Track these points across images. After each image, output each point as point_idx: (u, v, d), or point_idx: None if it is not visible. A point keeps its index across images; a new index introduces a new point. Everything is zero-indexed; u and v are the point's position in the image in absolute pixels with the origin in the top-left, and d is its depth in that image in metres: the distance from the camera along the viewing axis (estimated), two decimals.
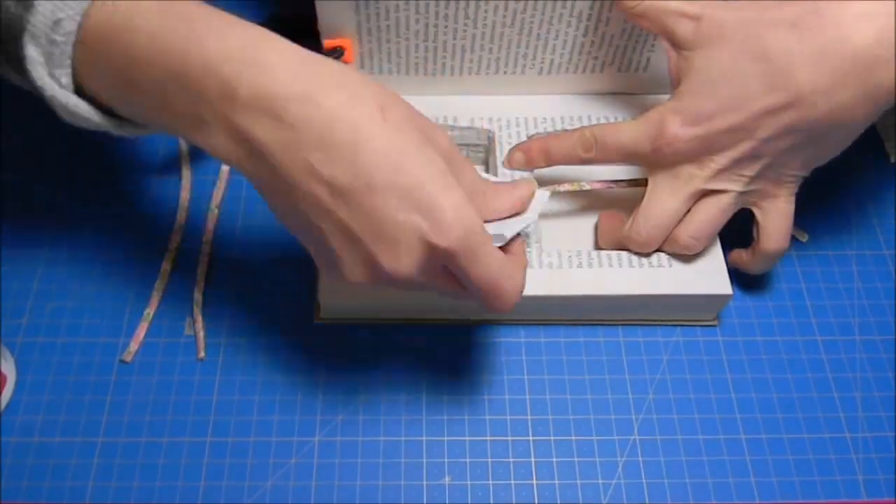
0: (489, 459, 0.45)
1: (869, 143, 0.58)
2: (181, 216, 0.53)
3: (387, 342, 0.49)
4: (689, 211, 0.47)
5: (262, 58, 0.35)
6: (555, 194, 0.51)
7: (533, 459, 0.45)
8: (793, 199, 0.47)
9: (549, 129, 0.53)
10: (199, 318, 0.49)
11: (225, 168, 0.55)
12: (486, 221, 0.39)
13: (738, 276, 0.50)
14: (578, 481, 0.45)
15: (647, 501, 0.44)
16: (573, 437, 0.46)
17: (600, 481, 0.45)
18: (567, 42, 0.52)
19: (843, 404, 0.48)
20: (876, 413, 0.47)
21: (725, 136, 0.43)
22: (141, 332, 0.48)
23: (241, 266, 0.51)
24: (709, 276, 0.48)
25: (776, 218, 0.47)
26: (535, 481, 0.45)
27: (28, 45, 0.36)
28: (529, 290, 0.47)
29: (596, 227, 0.50)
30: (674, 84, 0.46)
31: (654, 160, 0.46)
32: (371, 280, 0.37)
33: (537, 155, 0.49)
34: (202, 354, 0.48)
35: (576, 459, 0.45)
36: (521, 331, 0.49)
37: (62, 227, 0.52)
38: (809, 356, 0.49)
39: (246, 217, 0.53)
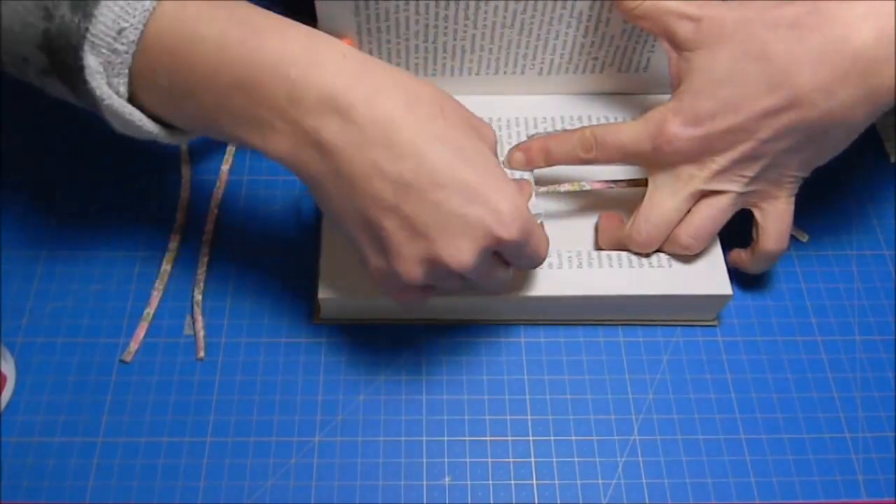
0: (489, 459, 0.45)
1: (869, 143, 0.58)
2: (181, 216, 0.53)
3: (387, 342, 0.49)
4: (689, 211, 0.47)
5: (323, 59, 0.37)
6: (555, 194, 0.51)
7: (533, 459, 0.45)
8: (792, 199, 0.47)
9: (549, 129, 0.53)
10: (199, 318, 0.49)
11: (225, 168, 0.55)
12: None
13: (738, 276, 0.50)
14: (578, 481, 0.45)
15: (647, 501, 0.44)
16: (573, 437, 0.46)
17: (600, 481, 0.45)
18: (567, 42, 0.52)
19: (843, 404, 0.48)
20: (876, 413, 0.47)
21: (725, 136, 0.43)
22: (141, 332, 0.48)
23: (241, 266, 0.51)
24: (709, 276, 0.48)
25: (776, 218, 0.47)
26: (535, 481, 0.45)
27: (88, 55, 0.37)
28: (529, 291, 0.47)
29: (596, 228, 0.50)
30: (674, 85, 0.46)
31: (655, 160, 0.46)
32: (427, 275, 0.39)
33: (537, 155, 0.49)
34: (202, 354, 0.48)
35: (576, 459, 0.45)
36: (521, 331, 0.49)
37: (62, 227, 0.52)
38: (809, 356, 0.49)
39: (246, 217, 0.53)
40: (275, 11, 0.39)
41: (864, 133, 0.44)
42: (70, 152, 0.55)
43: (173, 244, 0.51)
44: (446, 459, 0.45)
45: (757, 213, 0.47)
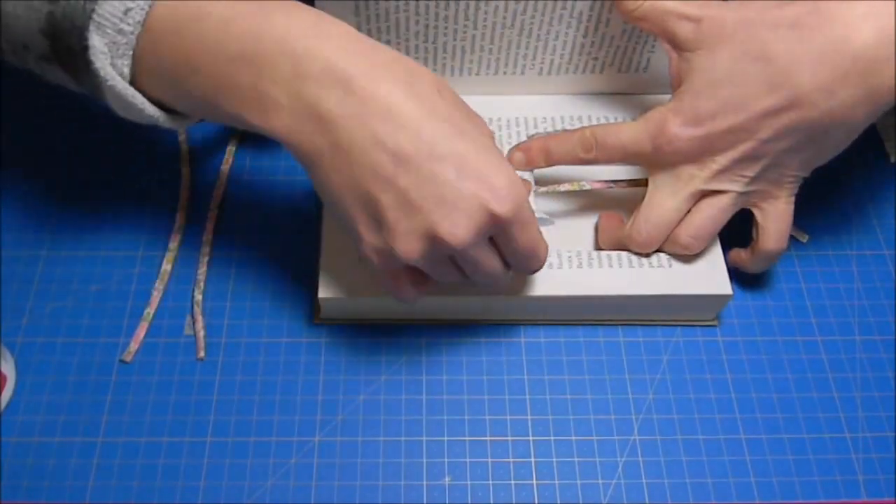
0: (489, 459, 0.45)
1: (869, 143, 0.58)
2: (181, 216, 0.53)
3: (387, 342, 0.49)
4: (689, 211, 0.47)
5: (328, 34, 0.38)
6: (555, 194, 0.51)
7: (533, 459, 0.45)
8: (792, 199, 0.47)
9: (549, 129, 0.53)
10: (200, 318, 0.49)
11: (225, 168, 0.55)
12: None
13: (738, 276, 0.50)
14: (578, 481, 0.45)
15: (647, 501, 0.44)
16: (573, 437, 0.46)
17: (600, 481, 0.45)
18: (567, 43, 0.52)
19: (843, 404, 0.48)
20: (876, 413, 0.47)
21: (726, 136, 0.43)
22: (141, 332, 0.48)
23: (241, 266, 0.51)
24: (709, 276, 0.48)
25: (775, 218, 0.47)
26: (535, 481, 0.45)
27: (93, 35, 0.37)
28: (529, 291, 0.47)
29: (596, 228, 0.50)
30: (674, 85, 0.46)
31: (655, 160, 0.46)
32: (424, 253, 0.39)
33: (537, 155, 0.49)
34: (202, 354, 0.48)
35: (576, 459, 0.45)
36: (521, 331, 0.49)
37: (62, 228, 0.52)
38: (809, 356, 0.49)
39: (246, 217, 0.53)
40: None
41: (864, 133, 0.44)
42: (70, 152, 0.56)
43: (173, 244, 0.51)
44: (446, 459, 0.45)
45: (757, 213, 0.47)
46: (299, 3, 0.39)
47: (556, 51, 0.53)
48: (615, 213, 0.50)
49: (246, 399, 0.47)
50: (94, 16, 0.37)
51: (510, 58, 0.53)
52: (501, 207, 0.38)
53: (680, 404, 0.47)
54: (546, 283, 0.47)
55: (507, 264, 0.42)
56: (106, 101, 0.41)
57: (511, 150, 0.50)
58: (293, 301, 0.50)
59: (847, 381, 0.48)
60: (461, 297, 0.47)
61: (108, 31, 0.37)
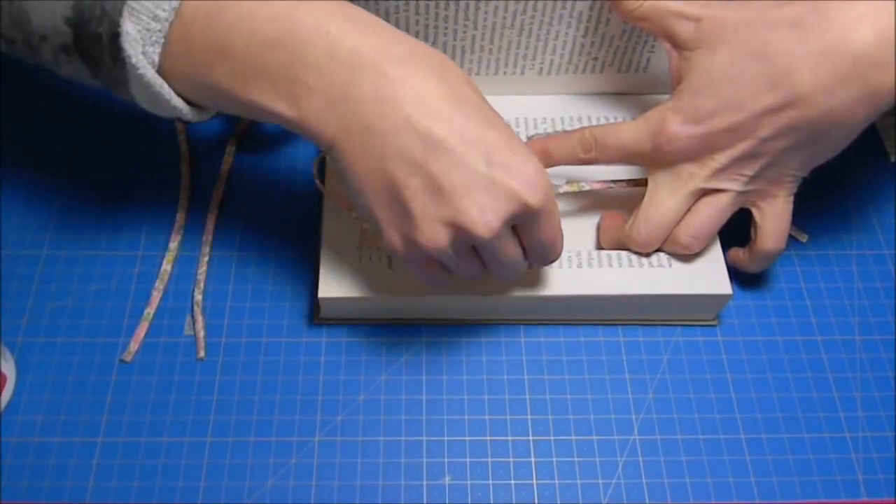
0: (489, 459, 0.45)
1: (869, 143, 0.58)
2: (181, 216, 0.53)
3: (387, 342, 0.49)
4: (688, 211, 0.47)
5: (360, 20, 0.38)
6: (555, 194, 0.51)
7: (533, 459, 0.45)
8: (791, 199, 0.47)
9: (549, 130, 0.53)
10: (200, 318, 0.49)
11: (225, 168, 0.55)
12: None
13: (738, 276, 0.50)
14: (578, 481, 0.45)
15: (647, 501, 0.44)
16: (573, 437, 0.46)
17: (600, 481, 0.45)
18: (567, 43, 0.52)
19: (843, 404, 0.48)
20: (876, 413, 0.47)
21: (725, 135, 0.43)
22: (141, 332, 0.48)
23: (241, 266, 0.51)
24: (709, 275, 0.48)
25: (774, 218, 0.47)
26: (535, 481, 0.45)
27: (127, 22, 0.37)
28: (530, 290, 0.47)
29: (598, 228, 0.50)
30: (674, 85, 0.46)
31: (655, 159, 0.46)
32: (450, 242, 0.39)
33: (537, 156, 0.49)
34: (202, 354, 0.48)
35: (576, 459, 0.45)
36: (521, 331, 0.49)
37: (62, 227, 0.52)
38: (809, 356, 0.49)
39: (246, 217, 0.53)
40: None
41: (864, 133, 0.44)
42: (70, 152, 0.56)
43: (173, 244, 0.51)
44: (446, 459, 0.45)
45: (756, 213, 0.47)
46: None
47: (556, 51, 0.53)
48: (617, 214, 0.50)
49: (246, 399, 0.47)
50: (130, 1, 0.37)
51: (510, 58, 0.53)
52: (533, 197, 0.38)
53: (680, 404, 0.47)
54: (546, 283, 0.47)
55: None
56: (122, 94, 0.40)
57: None
58: (293, 301, 0.50)
59: (847, 381, 0.48)
60: (461, 298, 0.47)
61: (143, 17, 0.37)
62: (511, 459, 0.45)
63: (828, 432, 0.47)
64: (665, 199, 0.46)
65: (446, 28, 0.50)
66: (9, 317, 0.49)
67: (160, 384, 0.47)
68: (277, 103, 0.38)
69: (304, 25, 0.37)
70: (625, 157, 0.47)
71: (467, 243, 0.39)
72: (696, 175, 0.45)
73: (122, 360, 0.48)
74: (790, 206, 0.47)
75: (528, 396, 0.47)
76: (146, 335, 0.48)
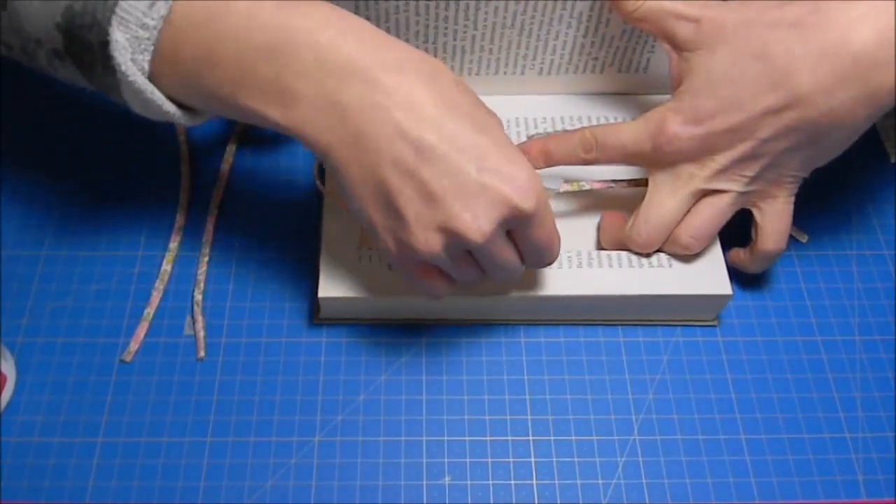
0: (489, 459, 0.45)
1: (869, 143, 0.58)
2: (181, 216, 0.53)
3: (387, 342, 0.49)
4: (689, 211, 0.47)
5: (351, 28, 0.38)
6: (555, 194, 0.51)
7: (533, 459, 0.45)
8: (791, 199, 0.47)
9: (549, 129, 0.53)
10: (200, 318, 0.49)
11: (225, 168, 0.55)
12: None
13: (738, 276, 0.50)
14: (578, 481, 0.45)
15: (647, 501, 0.44)
16: (573, 437, 0.46)
17: (600, 481, 0.45)
18: (567, 43, 0.52)
19: (843, 404, 0.48)
20: (876, 413, 0.47)
21: (726, 135, 0.43)
22: (141, 332, 0.48)
23: (241, 265, 0.51)
24: (709, 276, 0.48)
25: (775, 219, 0.47)
26: (535, 481, 0.45)
27: (115, 30, 0.37)
28: (529, 290, 0.47)
29: (598, 228, 0.50)
30: (674, 85, 0.46)
31: (655, 160, 0.46)
32: (443, 247, 0.39)
33: (537, 156, 0.49)
34: (202, 354, 0.48)
35: (576, 459, 0.45)
36: (521, 331, 0.49)
37: (62, 227, 0.52)
38: (809, 356, 0.49)
39: (246, 217, 0.53)
40: None
41: (864, 133, 0.44)
42: (70, 152, 0.56)
43: (173, 244, 0.51)
44: (446, 459, 0.45)
45: (756, 213, 0.47)
46: (318, 1, 0.39)
47: (556, 51, 0.53)
48: (618, 213, 0.50)
49: (246, 399, 0.47)
50: (118, 9, 0.37)
51: (510, 58, 0.53)
52: (525, 202, 0.38)
53: (680, 404, 0.47)
54: (546, 283, 0.47)
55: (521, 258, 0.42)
56: (116, 99, 0.41)
57: None
58: (293, 301, 0.50)
59: (847, 381, 0.48)
60: (461, 297, 0.47)
61: (132, 25, 0.37)
62: (511, 459, 0.45)
63: (828, 432, 0.47)
64: (665, 199, 0.46)
65: (446, 28, 0.50)
66: (9, 317, 0.49)
67: (160, 384, 0.47)
68: (269, 110, 0.39)
69: (295, 34, 0.38)
70: (625, 158, 0.47)
71: (461, 248, 0.40)
72: (696, 176, 0.45)
73: (122, 360, 0.48)
74: (791, 207, 0.47)
75: (528, 397, 0.47)
76: (146, 335, 0.48)
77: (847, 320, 0.51)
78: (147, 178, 0.55)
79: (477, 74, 0.54)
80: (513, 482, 0.45)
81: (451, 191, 0.37)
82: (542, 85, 0.55)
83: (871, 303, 0.51)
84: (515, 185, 0.38)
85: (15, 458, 0.44)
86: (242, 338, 0.49)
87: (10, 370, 0.46)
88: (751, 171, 0.45)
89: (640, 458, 0.45)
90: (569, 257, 0.48)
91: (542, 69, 0.54)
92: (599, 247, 0.50)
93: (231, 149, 0.56)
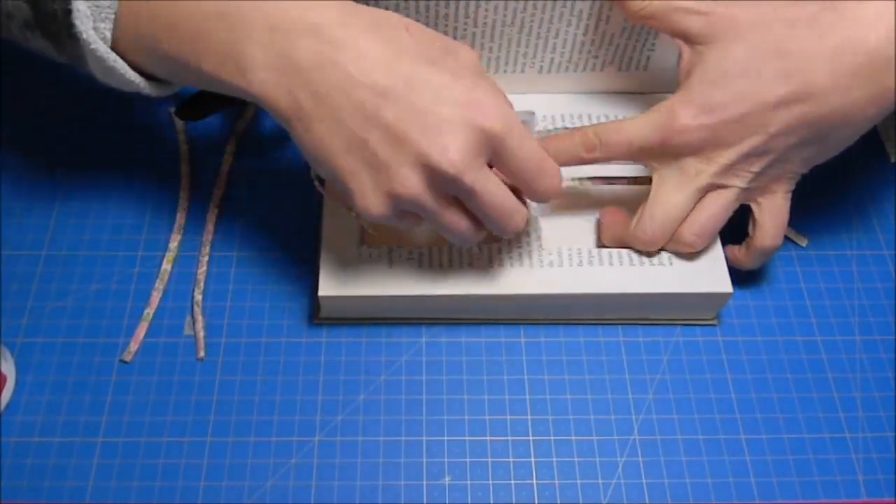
0: (489, 459, 0.45)
1: (869, 143, 0.58)
2: (181, 216, 0.53)
3: (387, 342, 0.49)
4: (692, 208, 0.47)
5: None
6: None
7: (533, 459, 0.45)
8: (789, 196, 0.47)
9: (549, 127, 0.53)
10: (200, 318, 0.49)
11: (225, 168, 0.55)
12: None
13: (739, 276, 0.50)
14: (578, 481, 0.45)
15: (647, 501, 0.44)
16: (573, 437, 0.46)
17: (600, 481, 0.45)
18: (567, 41, 0.52)
19: (843, 404, 0.48)
20: (876, 413, 0.47)
21: (737, 127, 0.43)
22: (141, 332, 0.48)
23: (241, 266, 0.51)
24: (709, 274, 0.48)
25: (773, 214, 0.47)
26: (535, 481, 0.45)
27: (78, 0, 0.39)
28: (530, 290, 0.47)
29: (598, 225, 0.50)
30: (683, 78, 0.46)
31: (661, 154, 0.45)
32: (424, 185, 0.39)
33: None
34: (202, 354, 0.48)
35: (576, 459, 0.45)
36: (521, 331, 0.49)
37: (62, 227, 0.52)
38: (809, 356, 0.49)
39: (246, 217, 0.53)
40: None
41: (864, 133, 0.44)
42: (70, 152, 0.56)
43: (173, 244, 0.51)
44: (446, 459, 0.45)
45: (755, 209, 0.47)
46: None
47: (556, 49, 0.53)
48: (618, 210, 0.50)
49: (246, 399, 0.47)
50: None
51: (510, 56, 0.53)
52: (489, 121, 0.38)
53: (680, 404, 0.47)
54: (547, 282, 0.47)
55: (520, 198, 0.42)
56: (87, 69, 0.42)
57: None
58: (293, 301, 0.50)
59: (847, 381, 0.48)
60: (461, 298, 0.47)
61: None
62: (511, 459, 0.45)
63: (828, 432, 0.47)
64: (671, 196, 0.46)
65: (446, 27, 0.50)
66: (9, 317, 0.49)
67: (160, 384, 0.47)
68: (228, 75, 0.39)
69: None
70: (630, 155, 0.46)
71: (444, 187, 0.39)
72: (703, 171, 0.45)
73: (122, 360, 0.48)
74: (788, 203, 0.47)
75: (528, 396, 0.47)
76: (146, 335, 0.48)
77: (847, 320, 0.51)
78: (147, 179, 0.54)
79: None
80: (513, 482, 0.45)
81: (415, 127, 0.38)
82: (542, 83, 0.55)
83: (871, 303, 0.51)
84: (477, 108, 0.38)
85: (15, 458, 0.44)
86: (242, 338, 0.49)
87: (10, 370, 0.46)
88: (757, 167, 0.44)
89: (640, 458, 0.45)
90: (569, 256, 0.48)
91: (542, 67, 0.54)
92: (600, 244, 0.50)
93: (231, 149, 0.56)
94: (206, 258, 0.51)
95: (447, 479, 0.45)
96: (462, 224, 0.41)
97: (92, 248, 0.51)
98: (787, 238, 0.53)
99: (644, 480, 0.45)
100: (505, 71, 0.54)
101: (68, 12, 0.39)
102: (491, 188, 0.40)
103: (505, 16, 0.50)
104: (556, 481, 0.45)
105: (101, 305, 0.49)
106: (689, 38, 0.45)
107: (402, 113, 0.38)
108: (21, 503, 0.43)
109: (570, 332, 0.49)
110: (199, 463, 0.45)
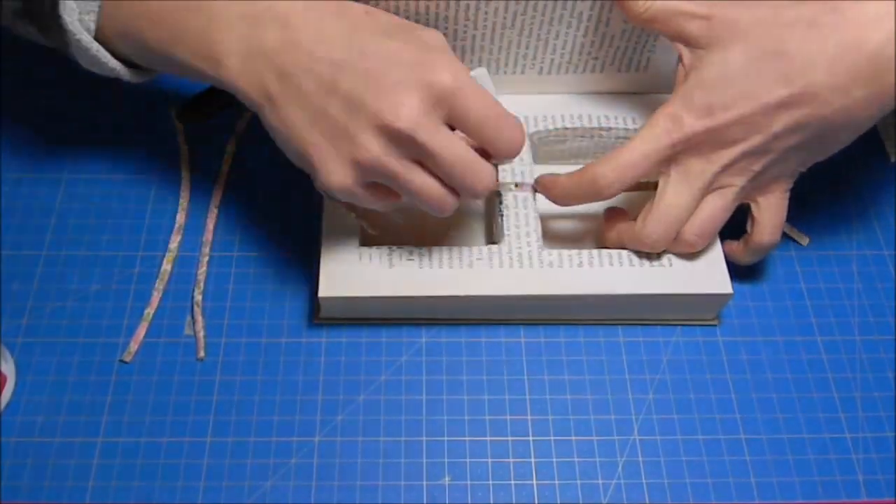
0: (489, 459, 0.45)
1: (869, 143, 0.58)
2: (181, 216, 0.53)
3: (387, 342, 0.49)
4: None
5: None
6: None
7: (533, 459, 0.45)
8: (787, 194, 0.47)
9: (549, 127, 0.53)
10: (200, 318, 0.49)
11: (225, 168, 0.55)
12: None
13: (739, 276, 0.50)
14: (578, 481, 0.45)
15: (647, 501, 0.44)
16: (573, 437, 0.46)
17: (600, 481, 0.45)
18: (567, 42, 0.52)
19: (843, 404, 0.48)
20: (876, 413, 0.47)
21: (737, 127, 0.43)
22: (141, 332, 0.48)
23: (241, 266, 0.51)
24: (709, 275, 0.48)
25: (771, 212, 0.47)
26: (535, 481, 0.45)
27: None
28: (530, 290, 0.47)
29: (599, 225, 0.50)
30: (681, 81, 0.46)
31: (670, 159, 0.45)
32: (383, 147, 0.40)
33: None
34: (202, 354, 0.48)
35: (576, 459, 0.45)
36: (521, 331, 0.49)
37: (62, 227, 0.52)
38: (809, 356, 0.49)
39: (246, 217, 0.53)
40: None
41: (864, 133, 0.44)
42: (70, 152, 0.56)
43: (173, 244, 0.51)
44: (446, 459, 0.45)
45: (753, 206, 0.47)
46: None
47: (557, 50, 0.53)
48: (619, 209, 0.50)
49: (246, 399, 0.47)
50: None
51: (510, 57, 0.53)
52: (437, 75, 0.39)
53: (680, 404, 0.47)
54: (547, 283, 0.47)
55: (485, 154, 0.43)
56: (71, 56, 0.45)
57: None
58: (293, 301, 0.50)
59: (847, 381, 0.48)
60: (461, 298, 0.47)
61: None
62: (511, 460, 0.45)
63: (828, 432, 0.47)
64: (677, 197, 0.46)
65: (446, 28, 0.50)
66: (9, 317, 0.49)
67: (160, 384, 0.47)
68: (203, 64, 0.42)
69: None
70: (648, 170, 0.45)
71: (403, 148, 0.40)
72: (706, 171, 0.45)
73: (122, 361, 0.48)
74: (786, 201, 0.47)
75: (528, 397, 0.47)
76: (146, 335, 0.48)
77: (847, 320, 0.51)
78: (147, 178, 0.55)
79: None
80: (513, 482, 0.45)
81: (370, 92, 0.39)
82: (542, 84, 0.55)
83: (871, 303, 0.51)
84: (427, 66, 0.40)
85: (15, 458, 0.44)
86: (242, 338, 0.49)
87: (10, 370, 0.46)
88: (758, 166, 0.45)
89: (640, 458, 0.45)
90: (569, 256, 0.48)
91: (542, 69, 0.54)
92: (600, 245, 0.50)
93: (231, 149, 0.56)
94: (206, 258, 0.51)
95: (447, 479, 0.45)
96: (432, 187, 0.42)
97: (92, 248, 0.51)
98: (788, 237, 0.53)
99: (644, 480, 0.45)
100: (505, 72, 0.54)
101: (55, 4, 0.42)
102: (447, 143, 0.41)
103: (505, 17, 0.50)
104: (556, 481, 0.45)
105: (101, 305, 0.49)
106: (689, 42, 0.45)
107: (357, 80, 0.40)
108: (21, 503, 0.43)
109: (570, 332, 0.49)
110: (199, 463, 0.45)
